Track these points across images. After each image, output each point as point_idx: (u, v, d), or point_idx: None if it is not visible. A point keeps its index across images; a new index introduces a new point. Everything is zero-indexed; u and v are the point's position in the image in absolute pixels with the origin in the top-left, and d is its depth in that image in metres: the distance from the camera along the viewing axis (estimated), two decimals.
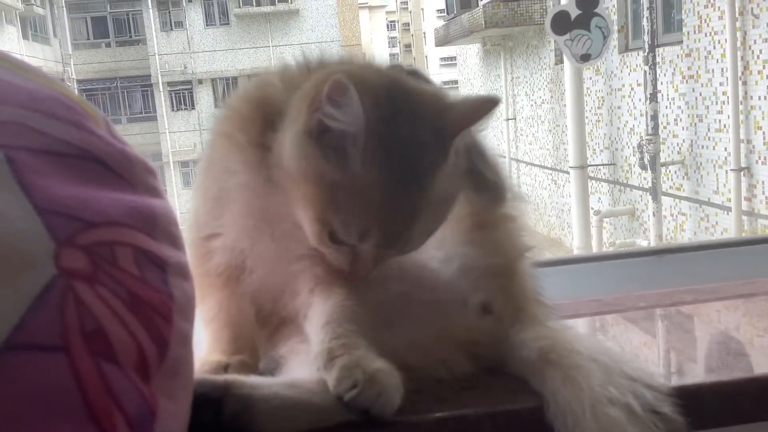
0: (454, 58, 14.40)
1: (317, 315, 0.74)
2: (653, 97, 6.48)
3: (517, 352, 0.78)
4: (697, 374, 0.85)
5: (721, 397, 0.77)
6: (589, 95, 7.86)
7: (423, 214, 0.71)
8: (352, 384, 0.66)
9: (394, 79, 0.74)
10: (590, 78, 7.89)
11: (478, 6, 10.08)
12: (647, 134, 6.54)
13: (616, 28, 7.37)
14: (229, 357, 0.79)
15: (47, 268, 0.51)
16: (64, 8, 19.54)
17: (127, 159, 0.62)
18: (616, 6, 7.40)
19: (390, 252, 0.74)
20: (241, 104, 0.80)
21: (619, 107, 7.48)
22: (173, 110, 19.23)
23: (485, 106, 0.73)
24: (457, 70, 13.87)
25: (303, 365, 0.74)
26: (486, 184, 0.81)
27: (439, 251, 0.81)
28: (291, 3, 19.50)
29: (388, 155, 0.69)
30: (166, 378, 0.57)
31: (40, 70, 0.65)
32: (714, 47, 5.89)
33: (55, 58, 19.15)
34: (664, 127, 6.63)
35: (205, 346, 0.83)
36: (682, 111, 6.43)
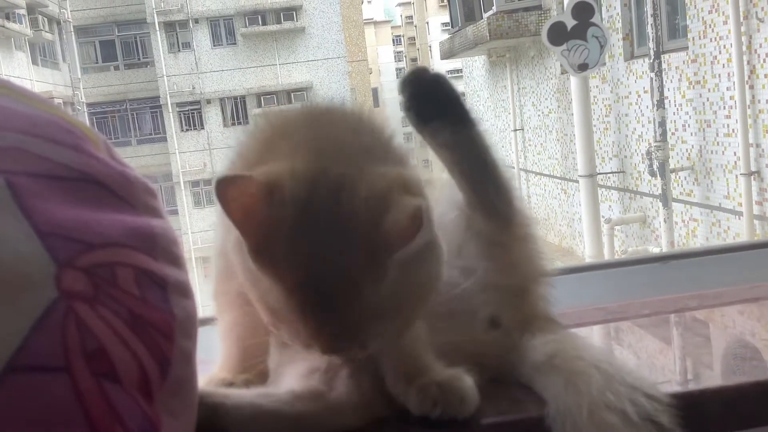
0: (460, 70, 14.45)
1: None
2: (660, 104, 6.48)
3: (526, 354, 0.80)
4: (714, 380, 0.85)
5: (734, 401, 0.77)
6: (596, 103, 7.86)
7: (369, 321, 0.66)
8: (433, 403, 0.71)
9: (318, 183, 0.66)
10: (597, 86, 7.89)
11: (482, 18, 10.11)
12: (656, 141, 6.54)
13: (621, 35, 7.38)
14: (234, 375, 0.80)
15: (48, 290, 0.51)
16: (73, 33, 19.73)
17: (127, 180, 0.63)
18: (620, 14, 7.42)
19: (349, 352, 0.68)
20: None
21: (626, 115, 7.48)
22: (182, 130, 19.32)
23: (414, 224, 0.62)
24: (464, 83, 13.91)
25: (295, 375, 0.75)
26: (495, 212, 0.82)
27: (459, 259, 0.82)
28: (297, 21, 19.62)
29: (306, 280, 0.64)
30: (168, 396, 0.57)
31: (40, 96, 0.66)
32: (720, 52, 5.89)
33: (65, 83, 19.32)
34: (673, 134, 6.62)
35: (218, 362, 0.84)
36: (689, 117, 6.42)
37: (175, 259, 0.63)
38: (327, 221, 0.65)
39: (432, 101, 0.80)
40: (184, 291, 0.63)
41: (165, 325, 0.58)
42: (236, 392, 0.73)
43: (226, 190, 0.63)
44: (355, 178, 0.67)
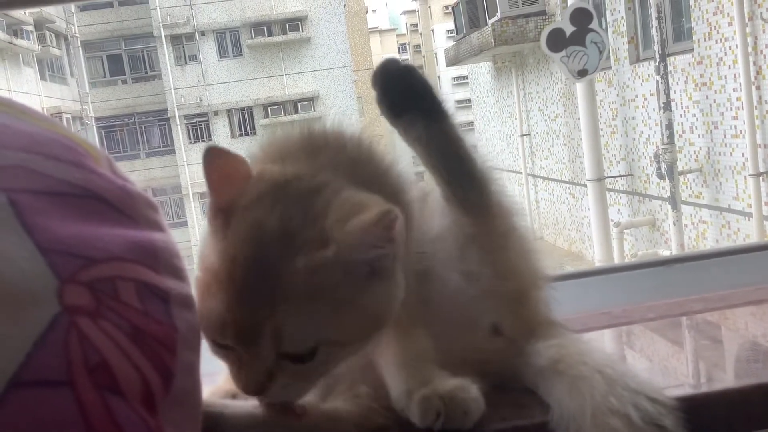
0: (466, 77, 14.48)
1: (389, 354, 0.75)
2: (667, 106, 6.46)
3: (530, 359, 0.80)
4: (727, 382, 0.85)
5: (748, 403, 0.77)
6: (602, 107, 7.85)
7: (289, 313, 0.64)
8: (436, 414, 0.69)
9: (301, 179, 0.70)
10: (603, 90, 7.89)
11: (486, 25, 10.13)
12: (663, 143, 6.52)
13: (625, 39, 7.38)
14: None
15: (51, 305, 0.52)
16: (80, 48, 19.89)
17: (128, 195, 0.64)
18: (624, 17, 7.42)
19: (258, 351, 0.65)
20: None
21: (633, 118, 7.47)
22: (190, 142, 19.42)
23: (380, 225, 0.64)
24: (470, 89, 13.93)
25: None
26: (469, 205, 0.81)
27: (463, 263, 0.81)
28: (302, 31, 19.71)
29: (246, 242, 0.65)
30: (172, 408, 0.58)
31: (41, 113, 0.67)
32: (725, 54, 5.88)
33: (73, 98, 19.47)
34: (680, 136, 6.61)
35: (224, 373, 0.84)
36: (696, 119, 6.40)
37: (177, 271, 0.63)
38: (296, 205, 0.68)
39: (403, 94, 0.80)
40: (187, 303, 0.63)
41: (167, 337, 0.58)
42: (235, 402, 0.73)
43: (213, 158, 0.67)
44: (343, 186, 0.70)
